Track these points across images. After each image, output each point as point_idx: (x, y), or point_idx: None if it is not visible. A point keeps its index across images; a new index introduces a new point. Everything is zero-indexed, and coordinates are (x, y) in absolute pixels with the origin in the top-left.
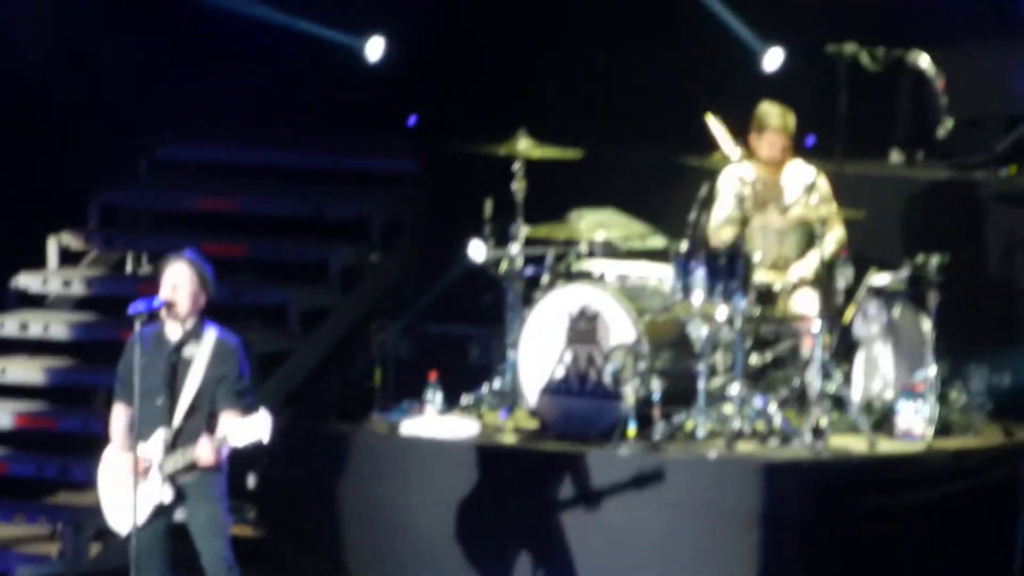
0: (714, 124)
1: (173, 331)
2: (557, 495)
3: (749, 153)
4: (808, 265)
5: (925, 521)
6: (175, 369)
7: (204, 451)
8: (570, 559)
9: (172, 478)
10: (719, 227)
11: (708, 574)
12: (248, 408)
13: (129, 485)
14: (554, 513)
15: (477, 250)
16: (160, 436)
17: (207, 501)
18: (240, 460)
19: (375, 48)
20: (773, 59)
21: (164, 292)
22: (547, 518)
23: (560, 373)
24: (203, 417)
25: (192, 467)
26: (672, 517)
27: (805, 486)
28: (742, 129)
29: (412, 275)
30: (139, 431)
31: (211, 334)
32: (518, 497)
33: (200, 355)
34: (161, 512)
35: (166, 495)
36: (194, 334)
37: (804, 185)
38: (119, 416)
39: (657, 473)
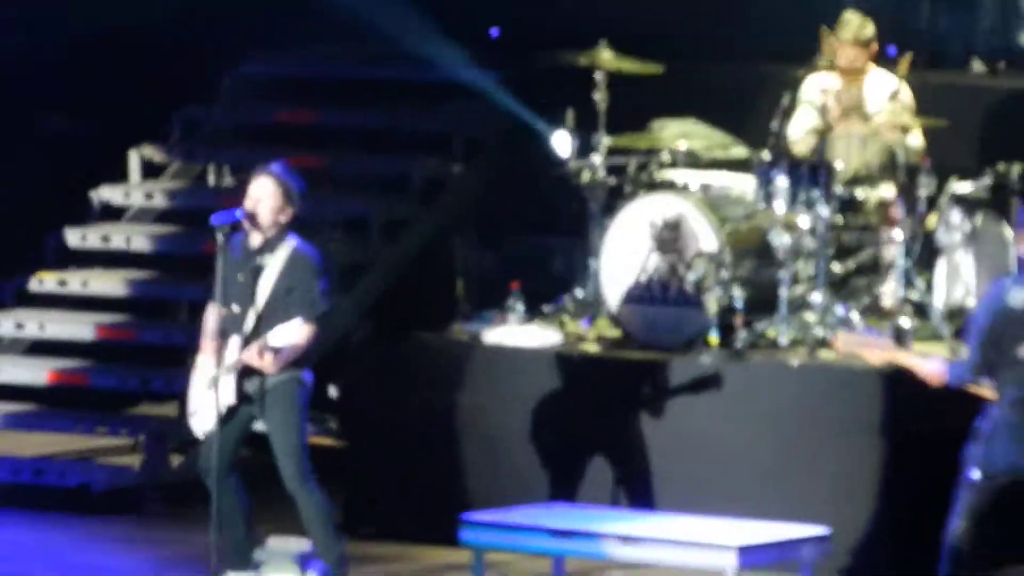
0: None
1: (255, 240)
2: (639, 403)
3: (832, 61)
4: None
5: None
6: (251, 277)
7: (249, 353)
8: (651, 465)
9: (240, 382)
10: (800, 138)
11: (788, 480)
12: (319, 319)
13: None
14: (636, 421)
15: (562, 142)
16: (234, 343)
17: (283, 412)
18: (322, 371)
19: None
20: None
21: (247, 204)
22: (629, 426)
23: (643, 282)
24: (273, 327)
25: (252, 370)
26: (754, 424)
27: (888, 392)
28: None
29: (493, 186)
30: (223, 336)
31: (288, 245)
32: (600, 405)
33: (273, 265)
34: (232, 416)
35: (229, 397)
36: (272, 245)
37: (888, 93)
38: (209, 316)
39: (739, 380)
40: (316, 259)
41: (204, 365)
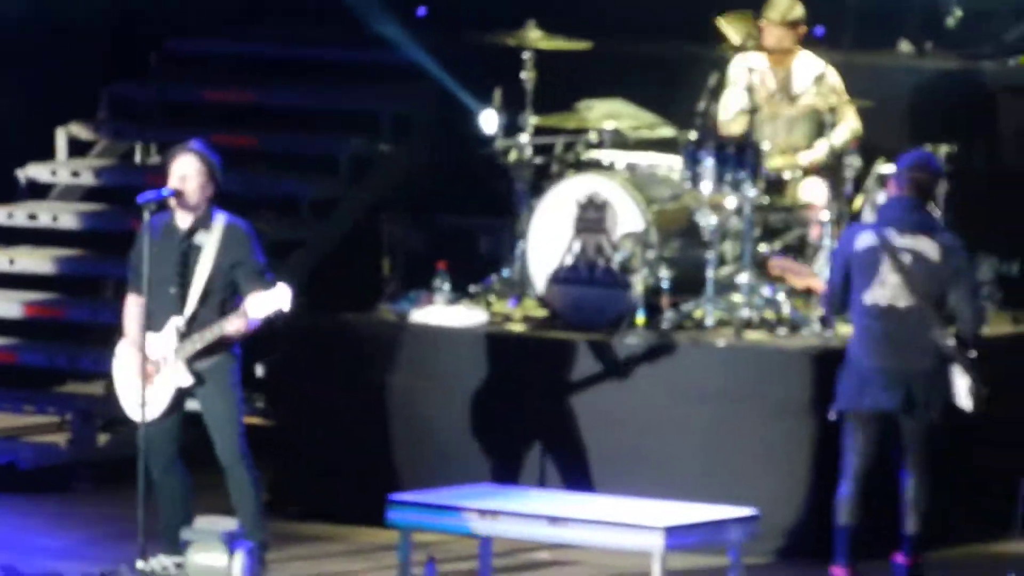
0: (724, 27)
1: (183, 220)
2: (565, 383)
3: (759, 42)
4: (817, 152)
5: None
6: (186, 257)
7: (231, 322)
8: (578, 445)
9: (189, 362)
10: (730, 120)
11: (718, 461)
12: (270, 285)
13: (143, 375)
14: (563, 401)
15: (488, 120)
16: (173, 324)
17: (222, 389)
18: (248, 350)
19: None
20: None
21: (173, 182)
22: (556, 406)
23: (569, 262)
24: (216, 303)
25: (209, 350)
26: (681, 404)
27: (815, 373)
28: (756, 16)
29: (421, 166)
30: (152, 320)
31: (220, 220)
32: (527, 385)
33: (210, 242)
34: (180, 398)
35: (185, 379)
36: (203, 222)
37: (813, 76)
38: (132, 306)
39: (665, 361)
40: (249, 230)
41: (130, 353)
